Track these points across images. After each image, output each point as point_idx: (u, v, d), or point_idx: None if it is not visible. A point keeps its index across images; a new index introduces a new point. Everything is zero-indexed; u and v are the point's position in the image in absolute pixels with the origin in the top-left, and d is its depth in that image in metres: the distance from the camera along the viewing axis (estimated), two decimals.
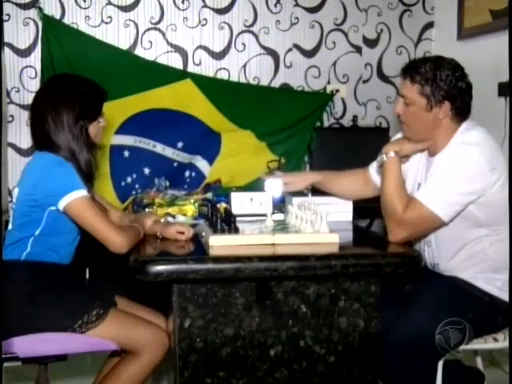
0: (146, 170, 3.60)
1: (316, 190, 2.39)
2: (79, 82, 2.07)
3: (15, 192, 2.02)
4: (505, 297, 1.96)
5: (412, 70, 1.99)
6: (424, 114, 1.98)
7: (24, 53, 3.51)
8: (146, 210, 2.41)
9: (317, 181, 2.37)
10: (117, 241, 1.91)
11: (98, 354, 2.09)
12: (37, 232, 1.98)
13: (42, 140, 2.01)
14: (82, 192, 1.91)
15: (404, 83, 2.02)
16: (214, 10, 3.71)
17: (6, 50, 3.49)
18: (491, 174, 1.90)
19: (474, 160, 1.89)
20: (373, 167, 2.31)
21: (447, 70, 1.95)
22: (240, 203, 2.21)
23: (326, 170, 2.43)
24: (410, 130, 2.05)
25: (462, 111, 1.99)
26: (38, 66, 3.50)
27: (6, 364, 1.89)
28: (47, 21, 3.47)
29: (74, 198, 1.90)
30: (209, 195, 2.66)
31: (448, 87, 1.95)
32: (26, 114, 3.52)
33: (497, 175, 1.91)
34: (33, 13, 3.49)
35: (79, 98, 2.01)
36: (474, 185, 1.89)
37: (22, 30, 3.50)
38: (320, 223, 1.88)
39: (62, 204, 1.91)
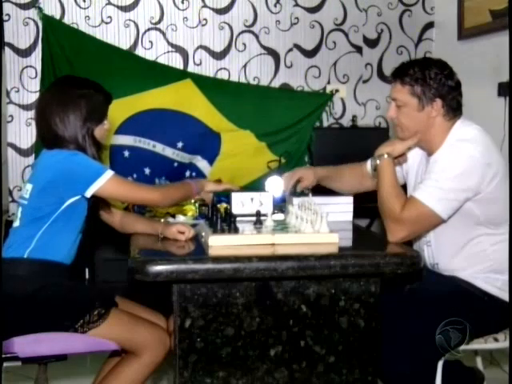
0: (147, 170, 3.60)
1: (316, 190, 2.39)
2: (86, 84, 2.09)
3: (27, 188, 2.01)
4: (505, 297, 1.96)
5: (401, 72, 2.02)
6: (417, 113, 2.00)
7: (24, 53, 3.52)
8: (147, 214, 2.42)
9: (323, 175, 2.39)
10: (151, 197, 2.03)
11: (98, 354, 2.09)
12: (43, 228, 1.98)
13: (52, 139, 2.02)
14: (109, 173, 1.95)
15: (394, 86, 2.04)
16: (213, 10, 3.71)
17: (6, 49, 3.49)
18: (488, 168, 1.90)
19: (469, 156, 1.90)
20: (369, 163, 2.31)
21: (435, 68, 1.98)
22: (240, 203, 2.21)
23: (328, 166, 2.44)
24: (404, 131, 2.06)
25: (453, 108, 2.00)
26: (38, 66, 3.50)
27: (5, 364, 1.89)
28: (47, 21, 3.47)
29: (105, 180, 1.93)
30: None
31: (438, 85, 1.97)
32: (25, 114, 3.53)
33: (493, 171, 1.91)
34: (33, 13, 3.49)
35: (86, 100, 2.03)
36: (470, 180, 1.89)
37: (22, 30, 3.50)
38: (320, 223, 1.88)
39: (92, 190, 1.93)
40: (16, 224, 2.04)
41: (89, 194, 1.95)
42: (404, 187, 2.18)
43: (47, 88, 2.24)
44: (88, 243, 2.14)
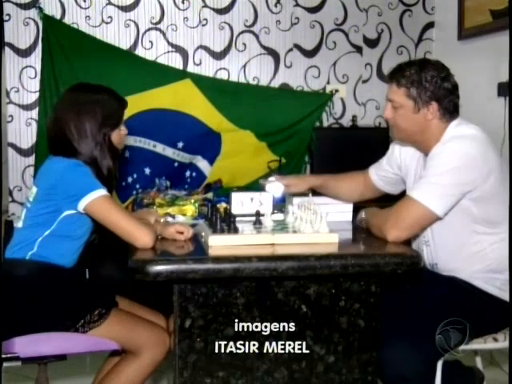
0: (147, 170, 3.60)
1: (316, 191, 2.39)
2: (99, 90, 2.08)
3: (33, 191, 2.02)
4: (504, 297, 1.96)
5: (398, 73, 2.02)
6: (412, 115, 2.00)
7: (24, 53, 3.52)
8: (144, 209, 2.41)
9: (317, 184, 2.38)
10: (143, 237, 1.87)
11: (98, 353, 2.09)
12: (46, 233, 1.98)
13: (63, 147, 2.01)
14: (102, 191, 1.92)
15: (390, 87, 2.04)
16: (214, 9, 3.71)
17: (6, 49, 3.49)
18: (483, 163, 1.90)
19: (464, 151, 1.90)
20: (373, 169, 2.32)
21: (432, 71, 1.98)
22: (240, 203, 2.21)
23: (326, 174, 2.43)
24: (400, 132, 2.07)
25: (449, 111, 2.00)
26: (38, 66, 3.50)
27: (5, 364, 1.89)
28: (47, 21, 3.47)
29: (95, 197, 1.90)
30: (209, 195, 2.66)
31: (434, 88, 1.97)
32: (25, 114, 3.53)
33: (488, 167, 1.91)
34: (33, 13, 3.49)
35: (101, 106, 2.03)
36: (464, 174, 1.89)
37: (22, 30, 3.50)
38: (320, 223, 1.89)
39: (83, 204, 1.91)
40: (19, 225, 2.04)
41: (81, 207, 1.92)
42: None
43: (61, 97, 2.22)
44: (88, 244, 2.14)
